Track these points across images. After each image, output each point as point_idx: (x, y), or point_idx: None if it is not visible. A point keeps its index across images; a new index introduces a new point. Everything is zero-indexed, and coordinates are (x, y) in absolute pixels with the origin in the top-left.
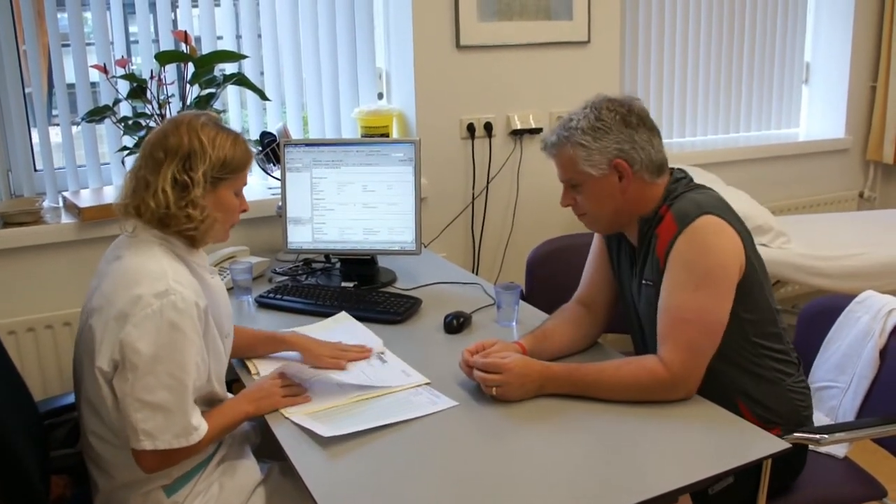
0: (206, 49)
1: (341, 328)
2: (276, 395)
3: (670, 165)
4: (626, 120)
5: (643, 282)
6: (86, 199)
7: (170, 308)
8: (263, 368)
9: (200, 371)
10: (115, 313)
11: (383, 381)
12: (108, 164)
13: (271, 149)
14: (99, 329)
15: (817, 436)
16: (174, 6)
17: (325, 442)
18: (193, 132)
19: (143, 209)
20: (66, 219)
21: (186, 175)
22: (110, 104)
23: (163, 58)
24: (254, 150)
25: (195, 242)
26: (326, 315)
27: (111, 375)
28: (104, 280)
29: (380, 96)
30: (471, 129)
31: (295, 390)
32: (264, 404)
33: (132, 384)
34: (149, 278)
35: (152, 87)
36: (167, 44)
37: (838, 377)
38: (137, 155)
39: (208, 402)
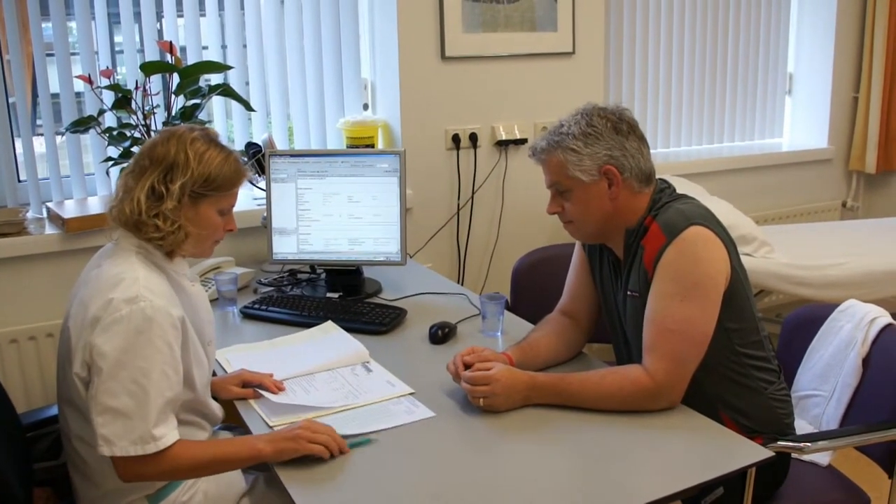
0: (191, 59)
1: (328, 338)
2: (302, 445)
3: None
4: (616, 127)
5: (629, 293)
6: (70, 209)
7: (138, 314)
8: (237, 363)
9: (171, 381)
10: (88, 318)
11: (367, 394)
12: (92, 174)
13: (256, 159)
14: (75, 334)
15: (801, 444)
16: (159, 16)
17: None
18: (182, 145)
19: (120, 213)
20: (49, 230)
21: (164, 186)
22: (95, 114)
23: (148, 68)
24: (249, 171)
25: (169, 253)
26: (311, 326)
27: (87, 379)
28: (83, 288)
29: (365, 107)
30: (456, 139)
31: (326, 438)
32: (288, 445)
33: (96, 387)
34: (122, 284)
35: (137, 97)
36: (152, 54)
37: (822, 386)
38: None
39: (195, 411)
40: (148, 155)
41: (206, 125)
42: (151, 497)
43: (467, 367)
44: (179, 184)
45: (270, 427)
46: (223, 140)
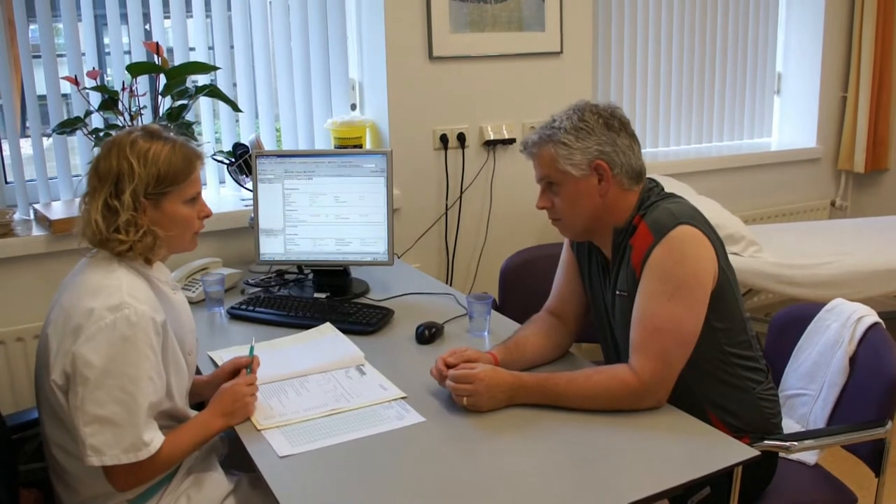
0: (178, 61)
1: (324, 340)
2: (248, 403)
3: None
4: (608, 123)
5: (617, 293)
6: (57, 211)
7: (123, 322)
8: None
9: (156, 386)
10: (70, 326)
11: (358, 397)
12: (79, 176)
13: (244, 160)
14: (54, 341)
15: (787, 443)
16: (146, 18)
17: (295, 454)
18: (122, 152)
19: (85, 237)
20: (36, 231)
21: (116, 200)
22: (82, 116)
23: (134, 69)
24: (203, 151)
25: (146, 259)
26: (299, 326)
27: (66, 388)
28: (64, 293)
29: (353, 107)
30: (444, 139)
31: (252, 391)
32: (238, 416)
33: (82, 397)
34: (104, 292)
35: (124, 98)
36: (139, 55)
37: (809, 385)
38: None
39: (172, 418)
40: (95, 174)
41: (151, 124)
42: (132, 501)
43: (451, 367)
44: (129, 192)
45: (258, 430)
46: (170, 133)
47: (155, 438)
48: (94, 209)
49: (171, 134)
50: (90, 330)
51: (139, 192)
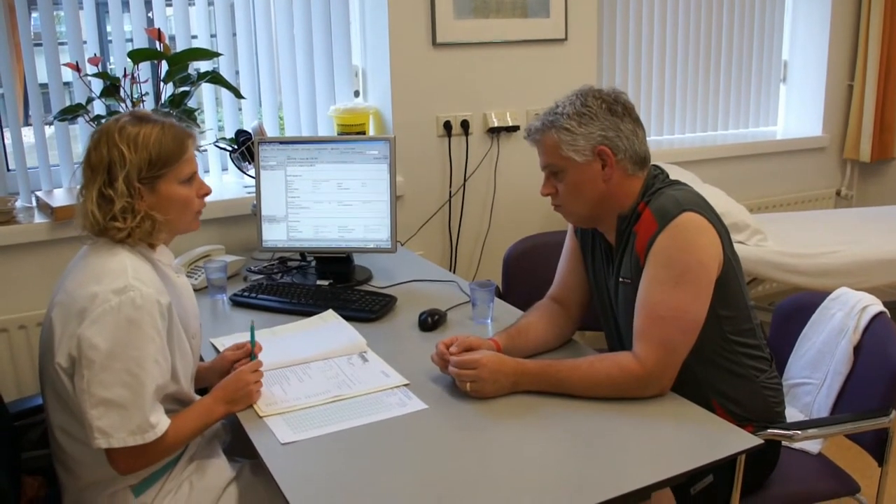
0: (180, 48)
1: (327, 327)
2: (251, 391)
3: None
4: (611, 109)
5: (620, 280)
6: (59, 198)
7: (128, 304)
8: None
9: (162, 369)
10: (74, 309)
11: (360, 384)
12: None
13: (246, 147)
14: (59, 324)
15: (791, 432)
16: (148, 5)
17: (297, 441)
18: (111, 141)
19: (84, 228)
20: (39, 218)
21: (110, 188)
22: (83, 103)
23: (136, 56)
24: (194, 129)
25: (149, 244)
26: (301, 313)
27: (71, 371)
28: (68, 277)
29: (356, 94)
30: (447, 126)
31: (257, 378)
32: (241, 403)
33: (88, 380)
34: (110, 275)
35: (126, 85)
36: (141, 43)
37: (813, 374)
38: None
39: (178, 401)
40: (87, 165)
41: (138, 109)
42: (135, 487)
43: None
44: (121, 178)
45: (260, 416)
46: (159, 115)
47: (161, 421)
48: (90, 200)
49: (160, 116)
50: (95, 313)
51: (132, 177)
